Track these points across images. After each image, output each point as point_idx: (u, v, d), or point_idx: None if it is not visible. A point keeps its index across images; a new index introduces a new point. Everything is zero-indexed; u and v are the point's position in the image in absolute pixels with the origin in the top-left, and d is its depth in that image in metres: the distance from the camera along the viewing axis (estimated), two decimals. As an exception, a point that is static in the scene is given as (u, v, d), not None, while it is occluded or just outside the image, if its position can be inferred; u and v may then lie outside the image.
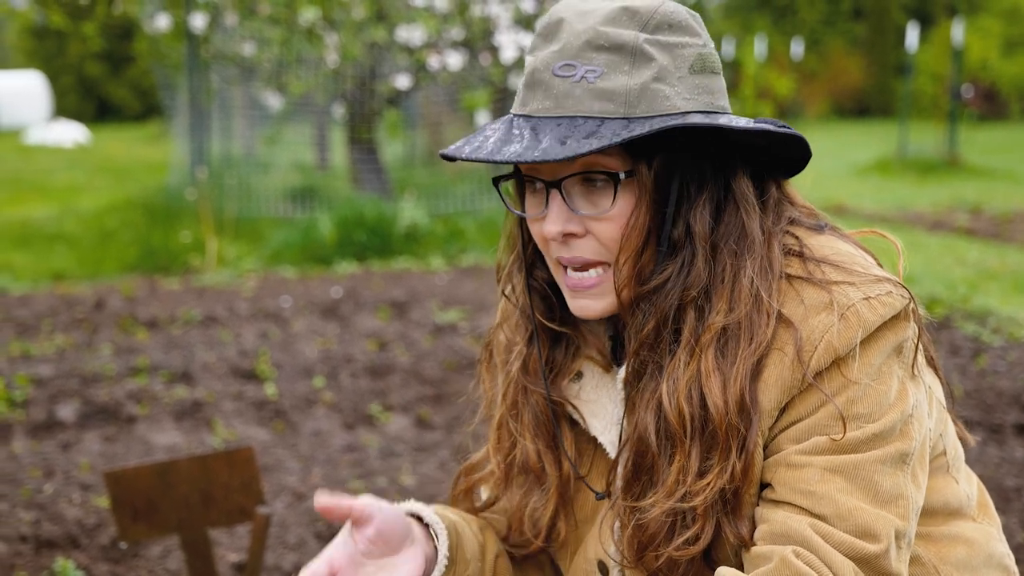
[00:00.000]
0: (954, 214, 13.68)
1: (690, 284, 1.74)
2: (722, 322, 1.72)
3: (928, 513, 1.86)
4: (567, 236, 1.77)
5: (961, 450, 1.99)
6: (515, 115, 1.75)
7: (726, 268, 1.75)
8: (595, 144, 1.62)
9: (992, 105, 33.71)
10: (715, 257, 1.75)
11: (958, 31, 20.69)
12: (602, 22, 1.71)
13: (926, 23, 35.54)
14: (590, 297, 1.80)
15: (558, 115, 1.68)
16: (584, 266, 1.79)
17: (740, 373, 1.69)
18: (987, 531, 1.93)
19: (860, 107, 38.43)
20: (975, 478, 2.03)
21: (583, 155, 1.62)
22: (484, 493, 2.14)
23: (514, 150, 1.66)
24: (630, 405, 1.82)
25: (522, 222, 1.91)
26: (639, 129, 1.64)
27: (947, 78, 25.28)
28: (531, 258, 1.94)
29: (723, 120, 1.71)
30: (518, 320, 2.00)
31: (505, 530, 2.07)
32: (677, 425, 1.72)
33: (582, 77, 1.68)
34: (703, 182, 1.76)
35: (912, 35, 20.99)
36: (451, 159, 1.75)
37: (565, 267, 1.81)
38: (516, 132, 1.70)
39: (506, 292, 2.00)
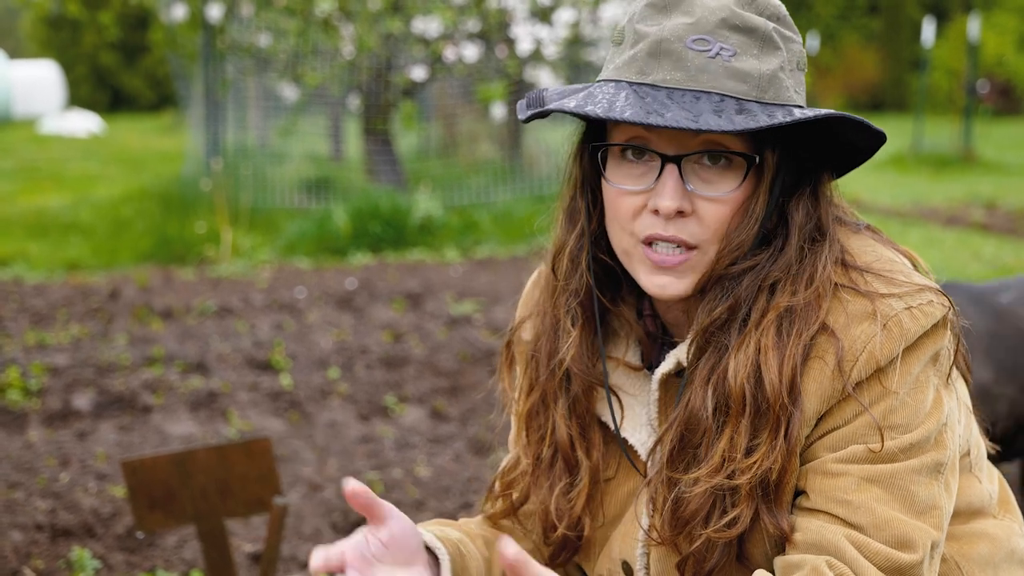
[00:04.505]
0: (969, 209, 13.63)
1: (775, 270, 1.74)
2: (786, 303, 1.72)
3: (952, 513, 1.85)
4: (677, 214, 1.73)
5: (984, 448, 1.99)
6: (633, 82, 1.70)
7: (804, 257, 1.75)
8: (764, 121, 1.63)
9: (1008, 101, 33.60)
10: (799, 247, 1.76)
11: (974, 26, 20.61)
12: (733, 3, 1.70)
13: (942, 18, 35.40)
14: (674, 275, 1.75)
15: (692, 88, 1.66)
16: (677, 246, 1.75)
17: (794, 353, 1.69)
18: (1009, 527, 1.93)
19: (875, 102, 38.26)
20: (996, 474, 2.02)
21: (763, 128, 1.62)
22: (515, 494, 2.07)
23: (670, 116, 1.62)
24: (688, 382, 1.79)
25: (588, 196, 1.87)
26: (798, 113, 1.65)
27: (962, 73, 25.18)
28: (594, 234, 1.88)
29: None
30: (566, 301, 1.91)
31: (539, 530, 2.00)
32: (737, 400, 1.71)
33: (717, 54, 1.67)
34: (800, 174, 1.78)
35: (928, 30, 20.91)
36: (569, 114, 1.69)
37: (650, 243, 1.76)
38: (647, 99, 1.66)
39: (557, 271, 1.93)
